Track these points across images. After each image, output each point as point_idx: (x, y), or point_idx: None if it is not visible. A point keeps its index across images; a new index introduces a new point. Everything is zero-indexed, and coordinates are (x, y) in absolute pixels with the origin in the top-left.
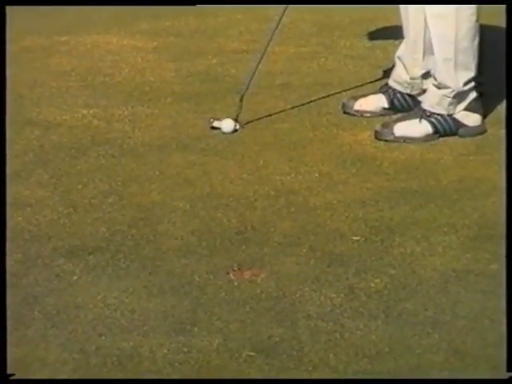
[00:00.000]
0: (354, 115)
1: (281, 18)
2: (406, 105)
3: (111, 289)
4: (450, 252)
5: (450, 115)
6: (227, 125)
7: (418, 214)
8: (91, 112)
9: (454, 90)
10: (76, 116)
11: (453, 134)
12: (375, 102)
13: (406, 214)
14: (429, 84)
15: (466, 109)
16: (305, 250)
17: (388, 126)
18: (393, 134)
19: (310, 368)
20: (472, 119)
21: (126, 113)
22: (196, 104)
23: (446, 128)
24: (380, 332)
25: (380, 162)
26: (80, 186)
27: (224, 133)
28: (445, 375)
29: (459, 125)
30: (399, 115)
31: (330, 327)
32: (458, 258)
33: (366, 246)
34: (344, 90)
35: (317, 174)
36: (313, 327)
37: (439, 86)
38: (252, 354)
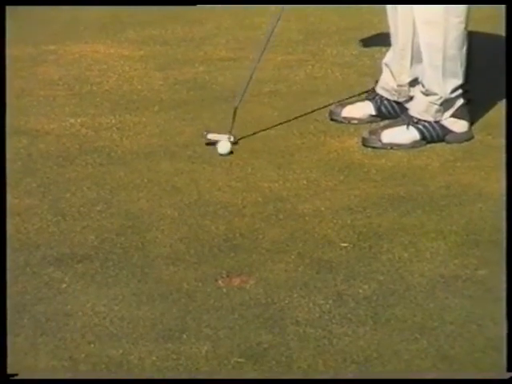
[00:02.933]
0: (341, 122)
1: (274, 26)
2: (393, 112)
3: (100, 297)
4: (438, 258)
5: (437, 122)
6: (223, 146)
7: (405, 220)
8: (79, 121)
9: (441, 97)
10: (64, 125)
11: (440, 140)
12: (362, 109)
13: (394, 220)
14: (416, 91)
15: (453, 115)
16: (293, 257)
17: (375, 132)
18: (380, 140)
19: (299, 374)
20: (459, 125)
21: (113, 121)
22: (183, 112)
23: (433, 134)
24: (368, 338)
25: (367, 169)
26: (68, 195)
27: (221, 154)
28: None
29: (446, 131)
30: (386, 122)
31: (318, 333)
32: (445, 263)
33: (354, 253)
34: (331, 98)
35: (305, 181)
36: (301, 333)
37: (427, 93)
38: (241, 360)
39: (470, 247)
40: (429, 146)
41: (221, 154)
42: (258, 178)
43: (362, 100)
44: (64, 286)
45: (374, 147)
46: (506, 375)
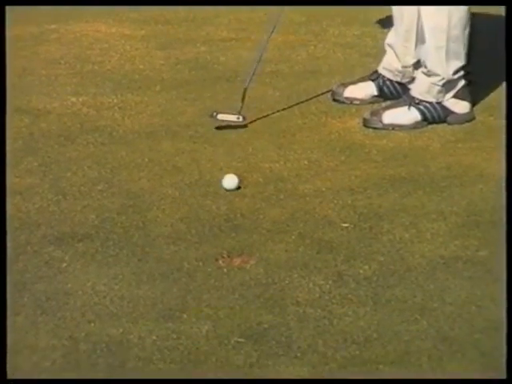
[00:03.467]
0: (343, 102)
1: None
2: (395, 92)
3: (100, 276)
4: (439, 239)
5: (438, 103)
6: (229, 182)
7: (406, 200)
8: (80, 100)
9: (443, 78)
10: (65, 104)
11: (441, 121)
12: (365, 90)
13: (395, 201)
14: (418, 72)
15: (455, 96)
16: (294, 237)
17: (377, 113)
18: (381, 121)
19: (299, 354)
20: (460, 106)
21: (115, 100)
22: (185, 92)
23: (435, 115)
24: (368, 318)
25: (369, 150)
26: (69, 174)
27: (226, 189)
28: (433, 361)
29: (448, 112)
30: (388, 103)
31: (318, 314)
32: (446, 244)
33: (354, 233)
34: (333, 78)
35: (306, 162)
36: (301, 314)
37: (429, 74)
38: (241, 340)
39: (470, 228)
40: (430, 126)
41: (226, 189)
42: (258, 158)
43: (365, 80)
44: (64, 265)
45: (375, 128)
46: (506, 375)
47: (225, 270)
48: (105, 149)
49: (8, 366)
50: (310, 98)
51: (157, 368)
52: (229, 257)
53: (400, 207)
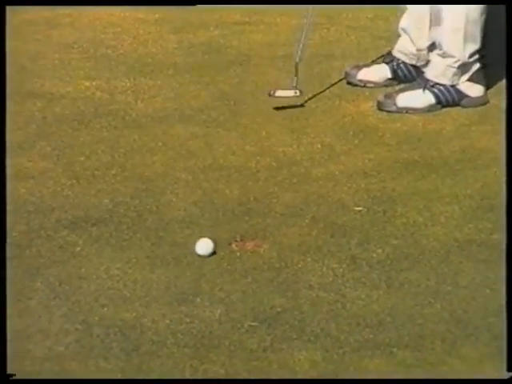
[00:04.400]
0: (356, 85)
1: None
2: (409, 75)
3: (114, 260)
4: (452, 222)
5: (453, 86)
6: (202, 246)
7: (420, 184)
8: (94, 84)
9: (459, 60)
10: (79, 88)
11: (455, 104)
12: (378, 73)
13: (409, 184)
14: (433, 55)
15: (470, 79)
16: (307, 221)
17: (391, 96)
18: (395, 104)
19: (312, 338)
20: (475, 90)
21: (128, 84)
22: (198, 75)
23: (449, 99)
24: (382, 302)
25: (382, 133)
26: (83, 158)
27: (199, 255)
28: (447, 344)
29: (462, 95)
30: (402, 86)
31: (331, 297)
32: (460, 227)
33: (368, 217)
34: (346, 61)
35: (319, 145)
36: (314, 297)
37: (444, 56)
38: (254, 324)
39: (484, 211)
40: (444, 110)
41: (199, 255)
42: (272, 142)
43: (379, 63)
44: (78, 249)
45: (389, 111)
46: (506, 375)
47: (238, 253)
48: (118, 133)
49: (21, 350)
50: (324, 82)
51: (170, 352)
52: (242, 241)
53: (414, 190)
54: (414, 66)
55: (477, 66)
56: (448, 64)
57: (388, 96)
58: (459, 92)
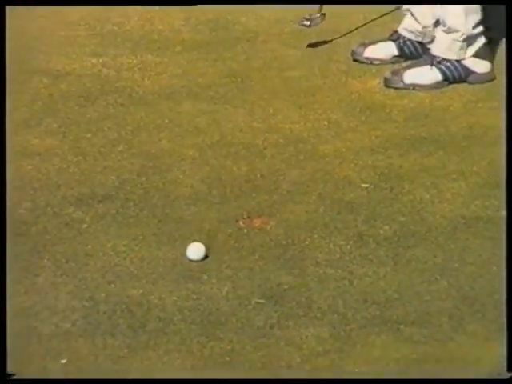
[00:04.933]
0: (363, 62)
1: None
2: (415, 52)
3: (121, 237)
4: (459, 199)
5: (459, 61)
6: (194, 251)
7: (427, 161)
8: (100, 61)
9: (464, 34)
10: (85, 65)
11: (462, 81)
12: (385, 50)
13: (415, 161)
14: (438, 31)
15: (475, 55)
16: (314, 198)
17: (398, 73)
18: (402, 81)
19: (319, 315)
20: (481, 66)
21: (135, 61)
22: (206, 52)
23: (456, 75)
24: (389, 279)
25: (389, 110)
26: (89, 135)
27: (190, 259)
28: (453, 321)
29: (468, 72)
30: (409, 62)
31: (338, 274)
32: (466, 204)
33: (375, 194)
34: (353, 38)
35: (326, 122)
36: (321, 274)
37: (449, 31)
38: (261, 301)
39: (491, 188)
40: (451, 86)
41: (190, 260)
42: (279, 119)
43: (385, 40)
44: (84, 226)
45: (396, 88)
46: (506, 375)
47: (245, 230)
48: (125, 110)
49: (27, 327)
50: (331, 58)
51: (177, 329)
52: (249, 218)
53: (420, 167)
54: (420, 44)
55: (482, 40)
56: (454, 38)
57: (395, 73)
58: (466, 68)
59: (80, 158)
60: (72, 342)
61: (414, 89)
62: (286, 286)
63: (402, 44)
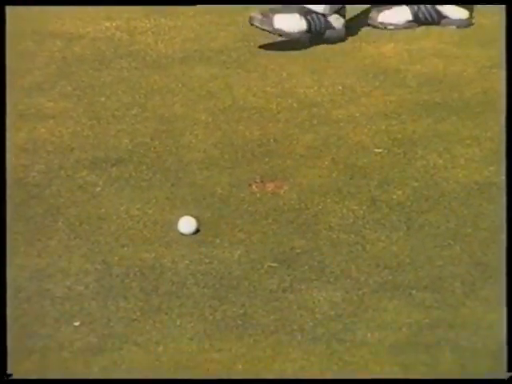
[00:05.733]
0: (377, 27)
1: None
2: (430, 18)
3: (134, 200)
4: (473, 164)
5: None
6: (185, 224)
7: (440, 126)
8: (114, 24)
9: None
10: (99, 28)
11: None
12: (399, 15)
13: (429, 126)
14: None
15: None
16: (327, 163)
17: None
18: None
19: (332, 279)
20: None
21: (148, 25)
22: (218, 16)
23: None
24: (401, 243)
25: (403, 75)
26: (103, 98)
27: (181, 233)
28: (466, 286)
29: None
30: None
31: (351, 239)
32: (480, 170)
33: (388, 159)
34: (367, 3)
35: (340, 87)
36: (334, 239)
37: None
38: (274, 264)
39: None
40: (465, 52)
41: (181, 233)
42: (292, 83)
43: (399, 5)
44: (98, 189)
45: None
46: (506, 375)
47: (258, 195)
48: (138, 73)
49: (40, 290)
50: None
51: (190, 292)
52: (262, 182)
53: (434, 133)
54: (434, 10)
55: None
56: None
57: (264, 14)
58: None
59: (94, 121)
60: (85, 304)
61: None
62: (298, 250)
63: (416, 9)
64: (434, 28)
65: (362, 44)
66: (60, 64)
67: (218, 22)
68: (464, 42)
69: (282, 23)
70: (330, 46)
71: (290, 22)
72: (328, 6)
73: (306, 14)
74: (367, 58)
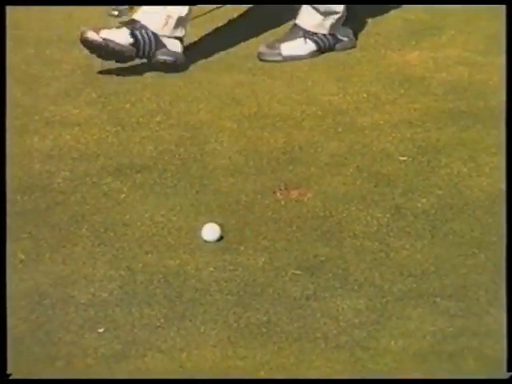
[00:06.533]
0: (270, 61)
1: None
2: (328, 45)
3: (158, 207)
4: (497, 173)
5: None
6: (209, 232)
7: (465, 134)
8: None
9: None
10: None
11: (331, 49)
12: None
13: (454, 134)
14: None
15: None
16: (351, 170)
17: (273, 46)
18: (280, 54)
19: (356, 287)
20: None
21: None
22: (245, 24)
23: (327, 44)
24: (426, 252)
25: (428, 83)
26: (128, 105)
27: (205, 241)
28: (490, 295)
29: (337, 40)
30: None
31: (375, 247)
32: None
33: (412, 167)
34: (393, 10)
35: (365, 95)
36: (358, 246)
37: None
38: (298, 272)
39: None
40: (490, 60)
41: (205, 241)
42: (317, 90)
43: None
44: (123, 196)
45: (273, 61)
46: (506, 375)
47: (282, 202)
48: (163, 81)
49: (65, 296)
50: (369, 31)
51: (213, 299)
52: (286, 189)
53: (458, 141)
54: (332, 35)
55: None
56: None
57: (270, 46)
58: (336, 38)
59: (119, 128)
60: (109, 311)
61: (292, 60)
62: (322, 258)
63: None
64: (459, 36)
65: (387, 52)
66: (85, 71)
67: (245, 29)
68: (489, 50)
69: (289, 50)
70: (355, 53)
71: (296, 47)
72: (327, 26)
73: (310, 36)
74: (392, 66)
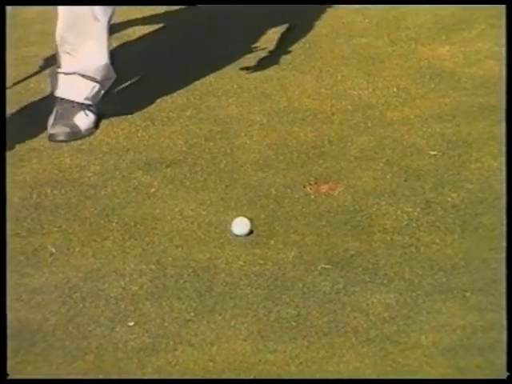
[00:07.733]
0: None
1: None
2: None
3: (188, 201)
4: None
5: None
6: (238, 227)
7: (495, 129)
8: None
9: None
10: (152, 29)
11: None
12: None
13: (484, 129)
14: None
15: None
16: (381, 165)
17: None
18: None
19: (385, 281)
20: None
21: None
22: (274, 18)
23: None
24: (456, 246)
25: (458, 77)
26: (158, 100)
27: (235, 235)
28: None
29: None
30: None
31: (405, 241)
32: None
33: (442, 161)
34: (423, 4)
35: (395, 89)
36: (388, 241)
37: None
38: (327, 266)
39: None
40: None
41: (236, 235)
42: (347, 85)
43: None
44: (153, 190)
45: (62, 141)
46: (506, 375)
47: (312, 196)
48: (193, 75)
49: (95, 290)
50: (400, 25)
51: (243, 293)
52: (316, 183)
53: (489, 135)
54: None
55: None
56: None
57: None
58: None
59: (148, 122)
60: (139, 304)
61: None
62: (352, 252)
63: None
64: (489, 30)
65: (418, 46)
66: (116, 65)
67: (274, 24)
68: None
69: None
70: (385, 48)
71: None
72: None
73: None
74: (422, 61)
